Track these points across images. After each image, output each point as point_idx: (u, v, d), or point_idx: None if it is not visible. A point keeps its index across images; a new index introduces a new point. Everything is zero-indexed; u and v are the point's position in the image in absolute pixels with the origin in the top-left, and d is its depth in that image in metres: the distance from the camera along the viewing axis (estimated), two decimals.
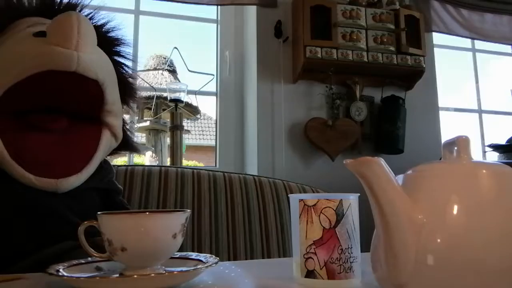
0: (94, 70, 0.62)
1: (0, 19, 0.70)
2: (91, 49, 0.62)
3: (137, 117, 1.74)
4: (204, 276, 0.52)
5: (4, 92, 0.61)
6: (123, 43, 0.81)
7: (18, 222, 0.63)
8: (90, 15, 0.78)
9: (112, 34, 0.80)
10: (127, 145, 0.85)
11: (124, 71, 0.82)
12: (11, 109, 0.65)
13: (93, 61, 0.62)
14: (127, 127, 0.87)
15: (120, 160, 1.93)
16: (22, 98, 0.63)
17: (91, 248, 0.49)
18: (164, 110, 1.87)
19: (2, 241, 0.62)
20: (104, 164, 0.80)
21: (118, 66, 0.80)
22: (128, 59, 0.83)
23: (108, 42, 0.78)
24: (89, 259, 0.51)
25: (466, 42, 2.40)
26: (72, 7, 0.76)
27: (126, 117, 0.81)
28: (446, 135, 2.07)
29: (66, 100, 0.67)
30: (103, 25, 0.80)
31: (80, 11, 0.77)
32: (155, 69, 2.07)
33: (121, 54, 0.81)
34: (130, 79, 0.83)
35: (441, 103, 2.08)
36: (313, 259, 0.46)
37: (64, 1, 0.76)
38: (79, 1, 0.78)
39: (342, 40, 1.75)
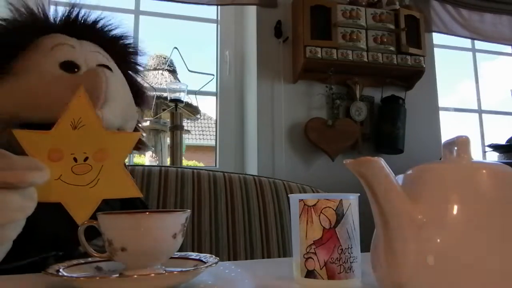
0: (115, 122, 0.70)
1: (27, 35, 0.73)
2: (114, 102, 0.68)
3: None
4: (204, 276, 0.52)
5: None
6: (138, 53, 0.89)
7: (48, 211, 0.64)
8: (111, 28, 0.83)
9: (128, 44, 0.87)
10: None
11: (136, 77, 0.89)
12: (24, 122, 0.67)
13: (114, 116, 0.69)
14: (139, 125, 0.92)
15: None
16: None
17: (91, 248, 0.49)
18: (164, 110, 1.87)
19: (36, 232, 0.62)
20: None
21: (131, 69, 0.87)
22: (142, 67, 0.91)
23: (125, 53, 0.86)
24: (89, 259, 0.51)
25: (466, 42, 2.40)
26: (94, 24, 0.81)
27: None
28: (446, 135, 2.07)
29: None
30: (121, 36, 0.85)
31: (101, 27, 0.82)
32: (155, 69, 2.07)
33: (136, 63, 0.89)
34: (141, 85, 0.90)
35: (441, 103, 2.08)
36: (313, 259, 0.46)
37: (86, 18, 0.80)
38: (98, 19, 0.81)
39: (342, 40, 1.75)
